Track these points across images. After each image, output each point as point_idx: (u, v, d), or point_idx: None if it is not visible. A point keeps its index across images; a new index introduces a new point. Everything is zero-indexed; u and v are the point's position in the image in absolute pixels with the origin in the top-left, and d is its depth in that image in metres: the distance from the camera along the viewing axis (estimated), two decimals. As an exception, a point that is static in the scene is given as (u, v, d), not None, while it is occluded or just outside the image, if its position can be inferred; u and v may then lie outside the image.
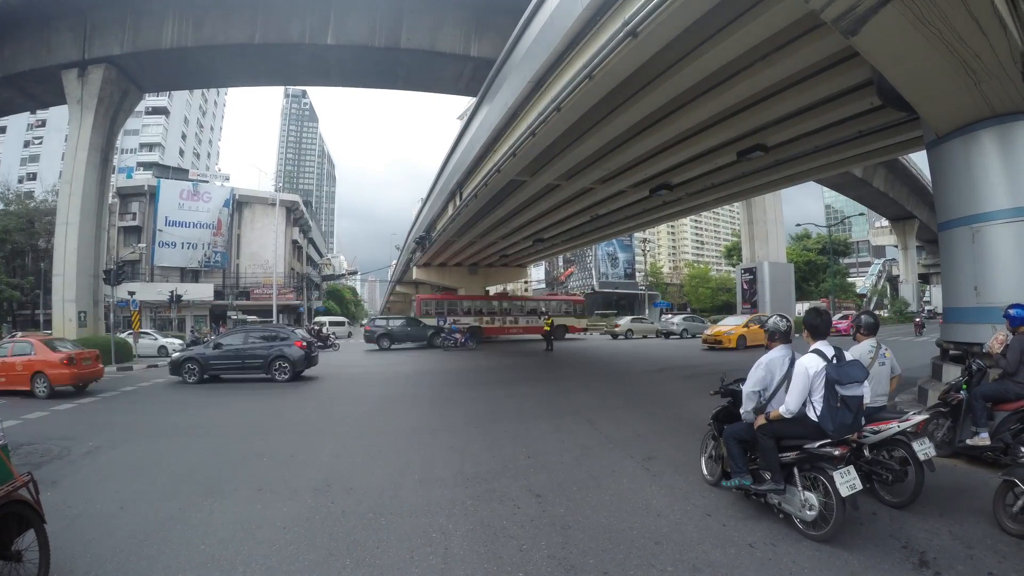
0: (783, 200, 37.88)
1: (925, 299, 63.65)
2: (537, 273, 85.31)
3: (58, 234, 20.92)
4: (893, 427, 4.40)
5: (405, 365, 18.97)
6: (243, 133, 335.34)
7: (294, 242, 56.80)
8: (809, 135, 12.51)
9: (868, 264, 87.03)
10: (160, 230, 46.62)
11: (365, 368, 18.46)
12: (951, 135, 7.29)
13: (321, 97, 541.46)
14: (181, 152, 71.13)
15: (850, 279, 72.62)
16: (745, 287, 39.11)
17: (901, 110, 9.51)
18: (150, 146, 66.13)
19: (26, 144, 64.27)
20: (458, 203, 20.38)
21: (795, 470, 4.06)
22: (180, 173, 52.84)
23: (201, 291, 46.34)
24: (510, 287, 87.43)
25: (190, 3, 18.96)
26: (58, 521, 4.17)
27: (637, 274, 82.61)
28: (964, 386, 5.57)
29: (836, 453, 3.78)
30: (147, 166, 57.27)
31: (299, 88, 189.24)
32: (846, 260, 77.80)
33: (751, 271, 38.33)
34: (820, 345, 4.07)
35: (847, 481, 3.69)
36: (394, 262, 60.57)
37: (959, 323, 7.49)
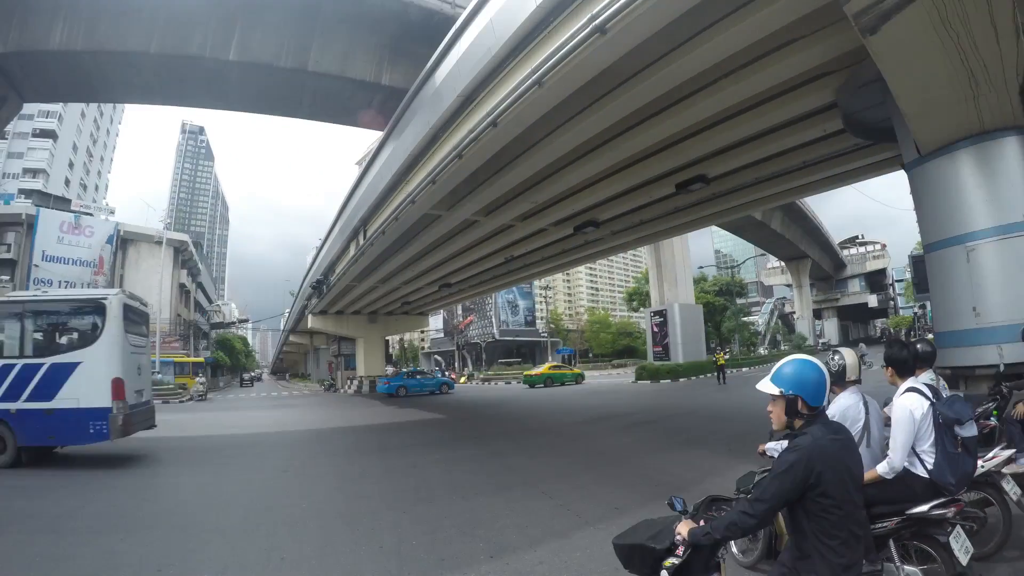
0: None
1: (817, 332, 68.34)
2: (436, 322, 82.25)
3: None
4: (979, 467, 3.67)
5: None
6: (134, 168, 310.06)
7: (181, 285, 51.70)
8: (753, 165, 12.25)
9: (758, 304, 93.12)
10: (36, 265, 40.66)
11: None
12: (936, 153, 7.10)
13: (219, 138, 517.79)
14: (67, 182, 63.12)
15: (745, 319, 77.00)
16: (656, 330, 39.51)
17: (863, 136, 9.37)
18: (34, 172, 58.19)
19: None
20: (361, 242, 18.82)
21: (890, 542, 3.14)
22: (62, 203, 46.61)
23: (78, 336, 40.47)
24: (407, 336, 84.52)
25: (86, 1, 16.34)
26: None
27: (538, 321, 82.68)
28: (995, 412, 4.95)
29: (949, 514, 3.01)
30: (29, 193, 50.11)
31: (196, 124, 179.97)
32: (740, 300, 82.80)
33: (661, 313, 38.83)
34: (912, 382, 3.42)
35: (962, 545, 3.01)
36: (287, 311, 56.56)
37: (956, 347, 7.04)
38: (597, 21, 6.13)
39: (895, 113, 7.35)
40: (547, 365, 37.61)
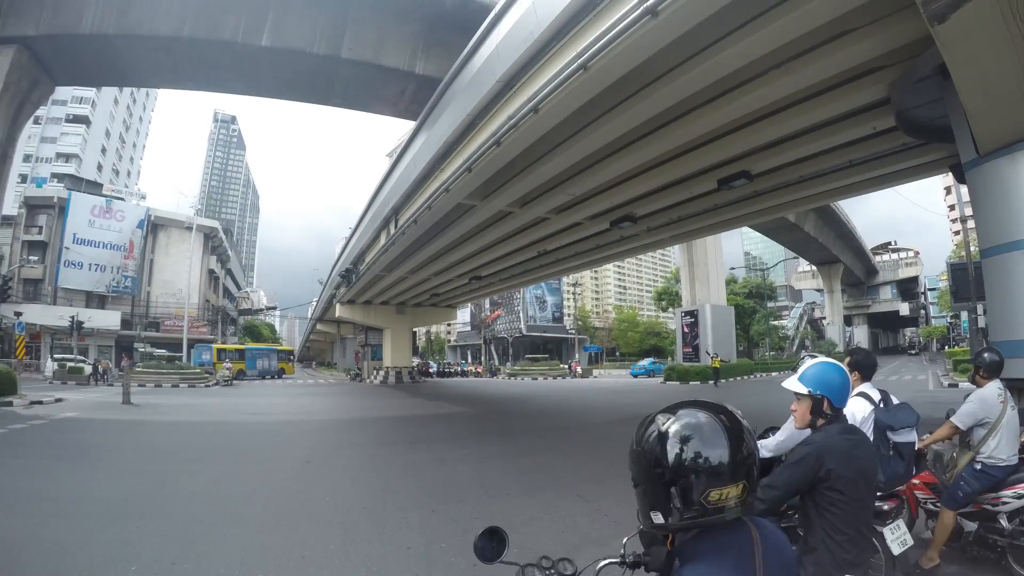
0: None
1: (847, 339, 66.42)
2: (463, 315, 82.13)
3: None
4: None
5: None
6: (166, 155, 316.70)
7: (210, 272, 52.57)
8: (797, 163, 11.71)
9: (787, 308, 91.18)
10: (67, 248, 41.79)
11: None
12: (996, 153, 6.62)
13: (251, 127, 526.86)
14: (99, 167, 64.42)
15: (775, 322, 75.37)
16: (686, 330, 38.93)
17: (915, 135, 8.89)
18: (67, 157, 59.54)
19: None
20: (392, 231, 18.67)
21: None
22: (93, 187, 47.78)
23: (107, 319, 41.61)
24: (434, 329, 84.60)
25: (119, -16, 16.47)
26: None
27: (566, 318, 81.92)
28: None
29: (885, 507, 3.40)
30: (61, 177, 51.46)
31: (229, 113, 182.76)
32: (769, 304, 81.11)
33: (692, 314, 38.23)
34: (865, 387, 3.64)
35: (898, 537, 3.30)
36: (315, 299, 57.00)
37: (1012, 358, 6.48)
38: (649, 2, 5.79)
39: (954, 110, 6.99)
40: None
